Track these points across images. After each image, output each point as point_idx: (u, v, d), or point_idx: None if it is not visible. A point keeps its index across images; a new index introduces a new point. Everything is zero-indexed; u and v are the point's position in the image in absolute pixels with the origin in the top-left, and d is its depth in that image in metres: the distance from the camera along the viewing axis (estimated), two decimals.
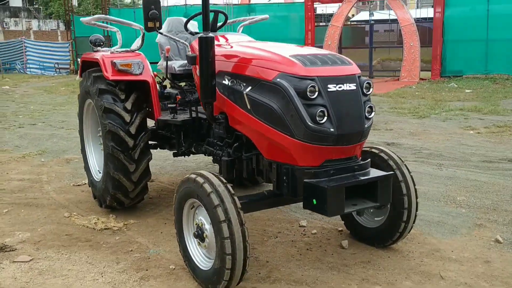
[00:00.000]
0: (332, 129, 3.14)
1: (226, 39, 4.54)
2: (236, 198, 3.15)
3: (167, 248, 4.11)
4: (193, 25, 5.18)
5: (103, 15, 5.25)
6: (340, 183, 3.14)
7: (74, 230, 4.57)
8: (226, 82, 3.75)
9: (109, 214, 4.89)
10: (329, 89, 3.16)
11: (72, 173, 6.50)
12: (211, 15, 4.75)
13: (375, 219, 4.05)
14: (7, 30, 40.19)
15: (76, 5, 37.07)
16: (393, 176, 3.70)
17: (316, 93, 3.12)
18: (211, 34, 3.54)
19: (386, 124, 9.65)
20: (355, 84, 3.27)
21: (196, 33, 4.63)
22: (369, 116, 3.33)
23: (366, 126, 3.30)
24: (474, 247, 4.02)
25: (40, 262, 3.91)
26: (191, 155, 5.02)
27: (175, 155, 5.05)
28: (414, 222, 3.85)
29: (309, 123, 3.12)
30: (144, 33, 4.61)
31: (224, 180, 3.24)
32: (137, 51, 4.83)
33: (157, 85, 4.95)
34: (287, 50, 3.54)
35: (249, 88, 3.47)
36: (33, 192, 5.75)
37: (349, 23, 34.35)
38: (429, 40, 20.03)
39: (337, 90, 3.18)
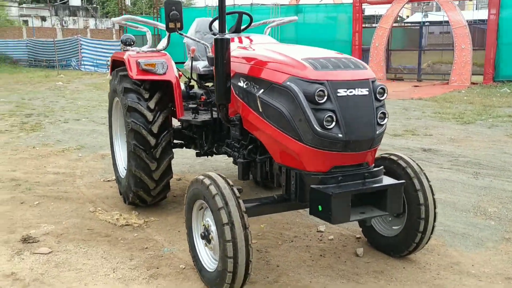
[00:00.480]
0: (340, 135, 3.05)
1: (251, 41, 4.52)
2: (241, 201, 3.13)
3: (181, 247, 4.14)
4: None
5: (130, 16, 5.35)
6: (345, 190, 3.06)
7: (96, 224, 4.68)
8: (241, 84, 3.72)
9: (132, 210, 4.98)
10: (339, 94, 3.08)
11: (104, 169, 6.67)
12: (236, 16, 4.77)
13: (393, 227, 3.92)
14: (66, 28, 41.91)
15: (130, 4, 38.07)
16: (410, 185, 3.60)
17: (325, 98, 3.05)
18: (227, 36, 3.52)
19: (426, 129, 9.35)
20: (367, 89, 3.16)
21: None
22: (382, 122, 3.22)
23: (377, 132, 3.19)
24: (497, 262, 3.82)
25: (58, 254, 4.03)
26: (221, 155, 5.00)
27: (197, 155, 5.10)
28: (432, 233, 3.70)
29: (317, 128, 3.05)
30: (170, 34, 4.66)
31: (231, 182, 3.22)
32: (162, 51, 4.88)
33: (182, 85, 5.00)
34: (302, 53, 3.47)
35: (262, 90, 3.43)
36: (65, 185, 5.94)
37: (403, 24, 33.60)
38: None
39: (347, 95, 3.09)
